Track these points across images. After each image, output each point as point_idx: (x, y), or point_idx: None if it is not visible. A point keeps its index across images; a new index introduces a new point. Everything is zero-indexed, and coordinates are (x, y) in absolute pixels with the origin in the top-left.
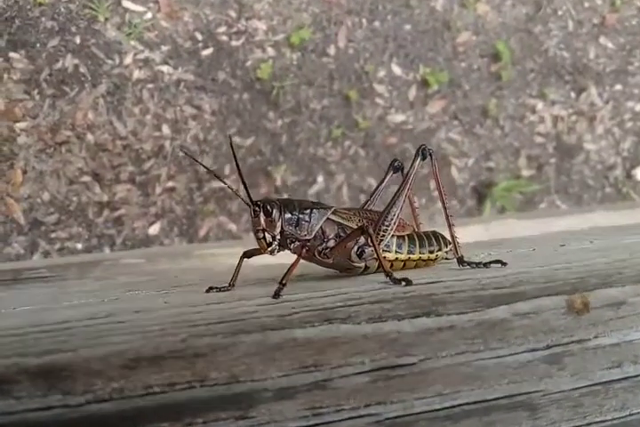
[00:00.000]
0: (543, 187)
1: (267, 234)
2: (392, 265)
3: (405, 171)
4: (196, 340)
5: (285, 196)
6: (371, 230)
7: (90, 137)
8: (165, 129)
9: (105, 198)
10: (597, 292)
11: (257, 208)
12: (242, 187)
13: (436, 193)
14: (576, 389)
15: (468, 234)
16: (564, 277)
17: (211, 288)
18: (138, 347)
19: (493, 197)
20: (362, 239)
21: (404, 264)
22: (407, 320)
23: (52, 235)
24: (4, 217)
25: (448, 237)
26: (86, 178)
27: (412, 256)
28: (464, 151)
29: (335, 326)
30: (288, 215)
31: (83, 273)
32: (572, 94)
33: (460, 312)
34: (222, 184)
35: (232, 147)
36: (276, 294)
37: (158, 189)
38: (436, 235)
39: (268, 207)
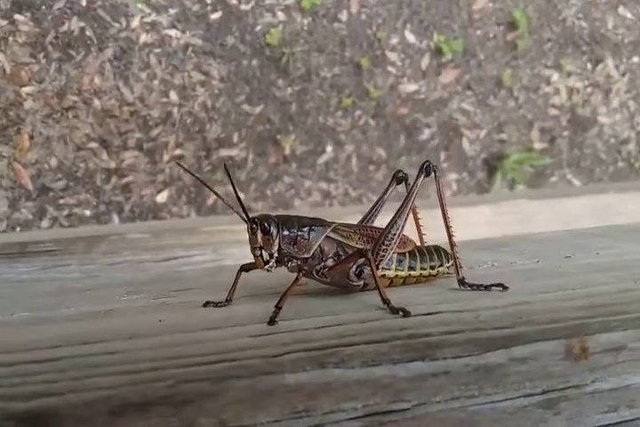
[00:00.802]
0: (555, 160)
1: (264, 252)
2: (392, 282)
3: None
4: (185, 385)
5: (294, 165)
6: (369, 255)
7: (97, 102)
8: (173, 95)
9: (113, 165)
10: (598, 336)
11: (254, 225)
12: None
13: (445, 165)
14: None
15: (475, 218)
16: (565, 316)
17: (208, 303)
18: (125, 393)
19: (504, 170)
20: (361, 259)
21: (404, 281)
22: (402, 365)
23: (61, 201)
24: (12, 182)
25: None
26: (93, 144)
27: (412, 273)
28: (476, 122)
29: (328, 371)
30: (286, 233)
31: (89, 248)
32: (589, 66)
33: (455, 356)
34: (231, 153)
35: (228, 172)
36: (272, 321)
37: (166, 157)
38: (439, 250)
39: (266, 225)
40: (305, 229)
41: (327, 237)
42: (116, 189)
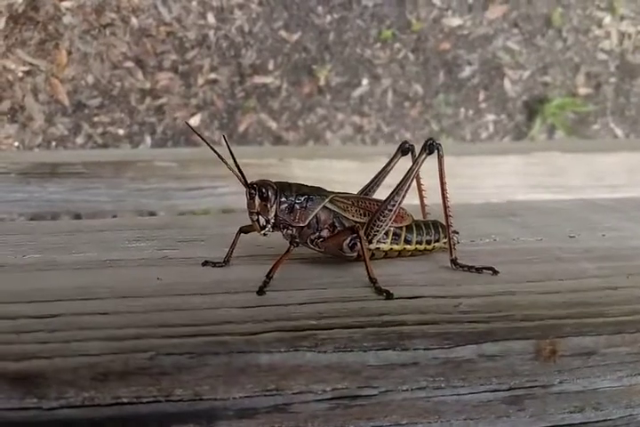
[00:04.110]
0: (598, 108)
1: (260, 217)
2: (386, 254)
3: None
4: (163, 358)
5: (328, 96)
6: (361, 232)
7: (134, 21)
8: (210, 17)
9: (147, 86)
10: (569, 339)
11: (252, 191)
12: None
13: (484, 105)
14: None
15: (504, 168)
16: (542, 313)
17: (206, 262)
18: (108, 361)
19: (545, 115)
20: (356, 225)
21: (399, 253)
22: (373, 352)
23: (95, 119)
24: (49, 97)
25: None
26: (129, 63)
27: (407, 247)
28: (520, 63)
29: (300, 354)
30: (283, 200)
31: (117, 173)
32: None
33: (426, 348)
34: (265, 81)
35: (227, 144)
36: (260, 291)
37: (200, 81)
38: (437, 225)
39: (264, 191)
40: (303, 197)
41: (324, 207)
42: (149, 110)
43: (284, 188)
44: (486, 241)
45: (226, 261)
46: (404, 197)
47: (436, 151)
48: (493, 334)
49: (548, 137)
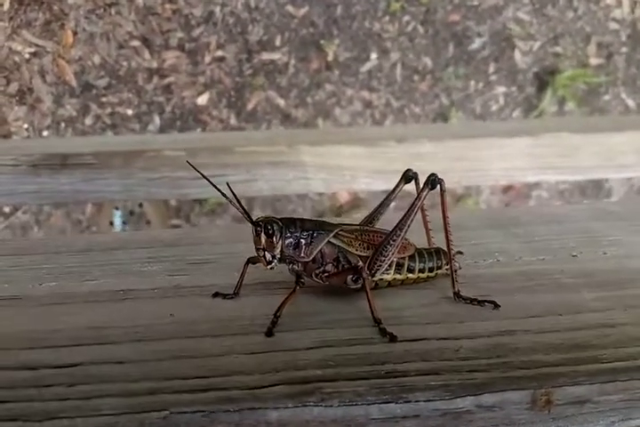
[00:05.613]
0: (610, 78)
1: (267, 253)
2: (389, 284)
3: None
4: (178, 417)
5: (337, 72)
6: (364, 273)
7: None
8: None
9: (154, 65)
10: (564, 389)
11: (258, 228)
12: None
13: (494, 77)
14: None
15: (513, 150)
16: (539, 359)
17: (217, 294)
18: (125, 421)
19: (555, 86)
20: (359, 264)
21: (402, 282)
22: (376, 406)
23: (103, 99)
24: (57, 78)
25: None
26: (136, 42)
27: (410, 276)
28: (531, 33)
29: (309, 409)
30: (288, 236)
31: (127, 163)
32: None
33: (427, 400)
34: (273, 57)
35: (232, 191)
36: (269, 332)
37: (207, 58)
38: (439, 251)
39: (269, 227)
40: (307, 233)
41: (329, 242)
42: (157, 89)
43: (289, 224)
44: (489, 262)
45: (236, 293)
46: (406, 231)
47: (438, 186)
48: (492, 385)
49: (558, 109)
